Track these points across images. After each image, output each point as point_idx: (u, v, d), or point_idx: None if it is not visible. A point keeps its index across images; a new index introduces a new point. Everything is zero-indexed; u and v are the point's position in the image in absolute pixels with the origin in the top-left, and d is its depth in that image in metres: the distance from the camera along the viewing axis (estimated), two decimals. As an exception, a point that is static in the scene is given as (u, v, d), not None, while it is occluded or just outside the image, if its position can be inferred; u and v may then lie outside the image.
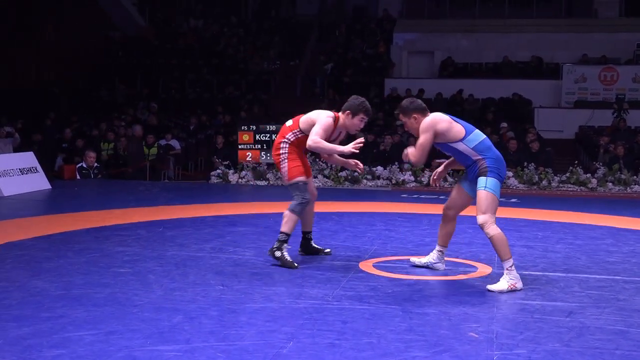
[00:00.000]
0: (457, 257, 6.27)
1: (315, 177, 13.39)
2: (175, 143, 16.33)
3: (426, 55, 23.90)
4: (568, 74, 21.01)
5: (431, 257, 5.78)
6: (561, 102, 20.91)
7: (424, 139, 5.30)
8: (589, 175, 13.24)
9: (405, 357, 3.62)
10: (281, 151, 6.01)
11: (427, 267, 5.77)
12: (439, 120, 5.32)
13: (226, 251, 6.39)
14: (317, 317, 4.29)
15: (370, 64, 23.26)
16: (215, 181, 13.80)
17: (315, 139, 5.77)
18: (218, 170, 13.94)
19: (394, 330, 4.08)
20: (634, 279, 5.53)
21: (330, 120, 5.91)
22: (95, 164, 13.51)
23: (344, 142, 6.17)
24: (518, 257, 6.22)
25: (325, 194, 11.76)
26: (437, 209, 9.51)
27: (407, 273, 5.62)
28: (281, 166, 6.01)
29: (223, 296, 4.77)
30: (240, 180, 13.64)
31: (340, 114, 6.02)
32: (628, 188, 12.86)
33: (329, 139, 5.98)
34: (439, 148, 5.50)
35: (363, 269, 5.73)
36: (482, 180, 5.19)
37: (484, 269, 5.81)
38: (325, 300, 4.71)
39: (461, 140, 5.26)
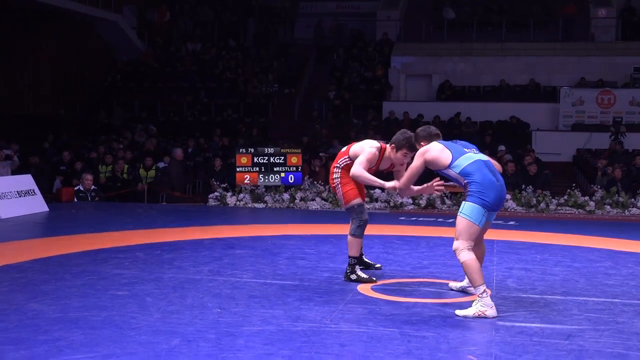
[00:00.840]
0: (455, 280, 6.25)
1: (313, 199, 13.40)
2: (172, 166, 16.32)
3: (424, 78, 23.99)
4: (565, 97, 21.10)
5: (466, 282, 5.72)
6: (559, 125, 20.98)
7: (413, 164, 5.49)
8: (586, 198, 13.25)
9: (404, 380, 3.61)
10: (334, 176, 6.31)
11: (463, 291, 5.74)
12: (429, 149, 5.43)
13: (224, 274, 6.38)
14: (315, 340, 4.27)
15: (368, 87, 23.36)
16: (213, 204, 13.79)
17: (357, 169, 6.02)
18: (216, 193, 13.94)
19: (392, 353, 4.07)
20: (633, 302, 5.52)
21: (374, 151, 6.12)
22: (93, 187, 13.50)
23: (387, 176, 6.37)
24: (516, 279, 6.22)
25: (323, 217, 11.76)
26: (435, 232, 9.52)
27: (406, 296, 5.61)
28: (337, 191, 6.33)
29: (221, 319, 4.75)
30: (238, 202, 13.63)
31: (387, 145, 6.19)
32: (626, 211, 12.86)
33: (377, 168, 6.24)
34: (440, 174, 5.52)
35: (361, 292, 5.71)
36: (462, 205, 5.23)
37: (482, 292, 5.79)
38: (323, 323, 4.69)
39: (448, 167, 5.30)
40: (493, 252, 7.83)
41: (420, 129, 5.82)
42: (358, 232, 6.16)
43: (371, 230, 9.91)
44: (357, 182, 6.23)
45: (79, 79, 23.34)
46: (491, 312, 4.98)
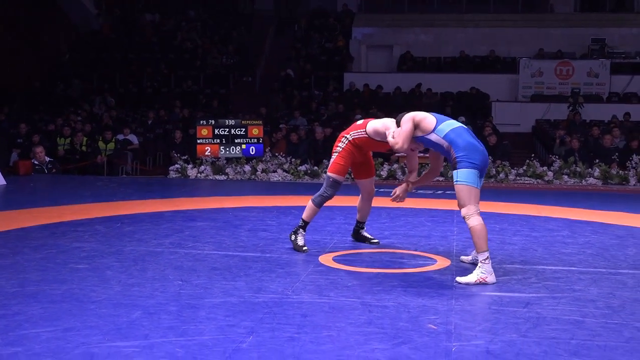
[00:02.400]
0: (415, 250, 6.31)
1: (274, 171, 13.38)
2: (133, 138, 16.19)
3: (385, 49, 24.00)
4: (524, 68, 21.28)
5: (474, 254, 5.67)
6: (518, 96, 21.17)
7: (404, 127, 5.48)
8: (545, 168, 13.42)
9: (365, 350, 3.64)
10: (339, 144, 6.28)
11: (473, 263, 5.63)
12: (415, 113, 5.54)
13: (185, 246, 6.36)
14: (277, 311, 4.29)
15: (329, 58, 23.30)
16: (173, 176, 13.71)
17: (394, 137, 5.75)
18: (176, 165, 13.85)
19: (353, 323, 4.10)
20: (589, 270, 5.62)
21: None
22: (48, 159, 13.32)
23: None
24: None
25: (285, 188, 11.76)
26: (395, 203, 9.56)
27: (367, 266, 5.64)
28: (331, 157, 6.30)
29: (182, 291, 4.74)
30: (199, 174, 13.57)
31: None
32: (583, 180, 13.06)
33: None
34: (421, 142, 5.58)
35: (323, 263, 5.73)
36: (454, 175, 5.26)
37: (442, 262, 5.85)
38: (284, 294, 4.70)
39: (433, 130, 5.37)
40: (453, 222, 7.90)
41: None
42: (317, 201, 6.26)
43: (333, 201, 9.94)
44: (359, 159, 6.32)
45: (36, 50, 22.91)
46: (491, 278, 5.06)
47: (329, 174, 6.27)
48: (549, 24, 23.48)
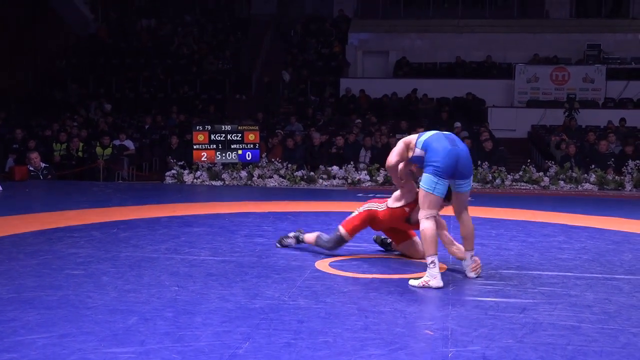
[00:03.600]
0: (412, 256, 6.30)
1: (271, 177, 13.38)
2: (129, 143, 16.18)
3: (381, 55, 24.03)
4: (520, 73, 21.31)
5: (465, 265, 5.60)
6: (514, 102, 21.20)
7: (396, 147, 5.64)
8: (541, 173, 13.44)
9: (361, 356, 3.63)
10: (366, 204, 6.22)
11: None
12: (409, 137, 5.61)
13: (181, 252, 6.35)
14: (273, 317, 4.28)
15: (325, 63, 23.32)
16: (169, 181, 13.70)
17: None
18: (173, 171, 13.84)
19: (350, 328, 4.09)
20: (585, 275, 5.62)
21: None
22: (43, 165, 13.30)
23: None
24: (472, 254, 6.26)
25: (281, 194, 11.76)
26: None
27: (363, 272, 5.64)
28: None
29: (178, 297, 4.73)
30: (195, 180, 13.57)
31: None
32: (579, 186, 13.08)
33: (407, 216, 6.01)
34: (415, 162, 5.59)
35: (319, 269, 5.73)
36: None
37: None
38: (281, 299, 4.70)
39: (415, 146, 5.41)
40: (449, 228, 7.89)
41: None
42: (318, 242, 6.29)
43: (329, 206, 9.97)
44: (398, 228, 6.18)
45: (32, 55, 22.88)
46: (435, 282, 5.06)
47: (339, 227, 6.19)
48: (545, 30, 23.54)
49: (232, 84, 22.34)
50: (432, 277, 5.07)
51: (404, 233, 6.27)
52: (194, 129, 14.18)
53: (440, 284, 5.07)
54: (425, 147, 5.30)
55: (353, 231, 6.15)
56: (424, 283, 5.06)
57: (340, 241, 6.18)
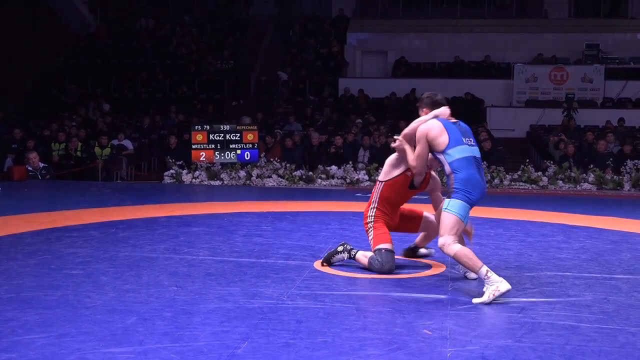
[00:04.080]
0: (411, 256, 6.30)
1: (269, 176, 13.38)
2: (127, 143, 16.17)
3: (379, 54, 24.02)
4: (519, 73, 21.31)
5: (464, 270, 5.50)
6: (512, 102, 21.21)
7: (419, 149, 5.27)
8: (539, 173, 13.44)
9: (360, 356, 3.63)
10: (368, 220, 5.80)
11: (466, 277, 5.47)
12: (431, 127, 5.24)
13: (180, 252, 6.35)
14: (272, 317, 4.28)
15: (323, 63, 23.32)
16: (168, 181, 13.69)
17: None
18: (171, 171, 13.84)
19: (348, 328, 4.09)
20: (584, 275, 5.63)
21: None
22: (42, 164, 13.30)
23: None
24: (471, 254, 6.26)
25: (279, 194, 11.76)
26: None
27: (361, 272, 5.64)
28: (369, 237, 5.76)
29: (177, 297, 4.73)
30: (193, 180, 13.56)
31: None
32: (578, 186, 13.08)
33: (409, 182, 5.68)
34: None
35: (318, 269, 5.73)
36: (446, 201, 5.12)
37: (437, 267, 5.86)
38: (279, 299, 4.70)
39: (442, 152, 5.17)
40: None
41: (425, 94, 5.60)
42: (371, 265, 5.61)
43: (327, 206, 9.97)
44: (393, 215, 5.80)
45: (30, 55, 22.86)
46: (503, 286, 4.74)
47: (379, 246, 5.60)
48: (543, 29, 23.54)
49: (231, 84, 22.32)
50: (497, 282, 4.75)
51: (414, 217, 5.97)
52: (193, 128, 14.18)
53: (509, 285, 4.76)
54: (457, 167, 5.08)
55: (385, 240, 5.62)
56: (493, 294, 4.72)
57: (386, 256, 5.57)
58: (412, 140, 5.42)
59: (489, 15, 24.58)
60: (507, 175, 13.33)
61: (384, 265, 5.53)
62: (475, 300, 4.77)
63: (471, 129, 5.60)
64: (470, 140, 5.28)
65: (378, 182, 5.79)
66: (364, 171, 13.48)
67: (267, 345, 3.76)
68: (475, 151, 5.23)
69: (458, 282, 5.34)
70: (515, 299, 4.81)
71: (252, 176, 13.41)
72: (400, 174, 5.63)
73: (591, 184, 13.11)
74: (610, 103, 20.87)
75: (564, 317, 4.40)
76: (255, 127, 14.58)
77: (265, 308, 4.48)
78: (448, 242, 4.99)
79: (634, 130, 18.39)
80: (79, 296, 4.70)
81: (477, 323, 4.25)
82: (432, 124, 5.26)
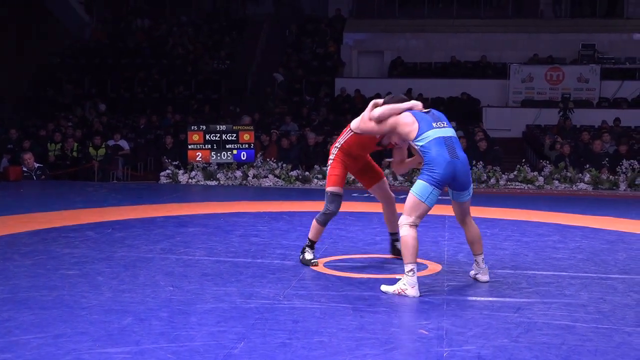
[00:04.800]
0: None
1: (266, 177, 13.38)
2: (124, 143, 16.15)
3: (376, 54, 24.01)
4: (515, 73, 21.32)
5: (473, 270, 5.52)
6: (508, 102, 21.22)
7: (376, 126, 5.41)
8: (535, 173, 13.45)
9: (357, 355, 3.64)
10: (330, 156, 6.03)
11: (475, 278, 5.45)
12: (402, 118, 5.30)
13: (176, 252, 6.34)
14: (269, 317, 4.28)
15: (320, 63, 23.32)
16: (164, 181, 13.68)
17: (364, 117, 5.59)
18: (168, 171, 13.83)
19: (345, 328, 4.10)
20: (580, 275, 5.64)
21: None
22: (36, 165, 13.28)
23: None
24: (467, 254, 6.26)
25: (276, 194, 11.76)
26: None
27: (358, 272, 5.65)
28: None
29: (173, 297, 4.73)
30: (190, 180, 13.55)
31: None
32: (574, 186, 13.09)
33: (380, 139, 5.81)
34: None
35: (314, 268, 5.73)
36: (415, 182, 5.15)
37: (433, 267, 5.86)
38: (276, 299, 4.70)
39: (414, 139, 5.19)
40: (445, 228, 7.91)
41: (389, 96, 5.66)
42: (320, 219, 5.95)
43: (323, 206, 9.95)
44: (354, 165, 6.03)
45: (27, 55, 22.83)
46: (412, 291, 4.87)
47: (326, 189, 5.97)
48: (540, 29, 23.55)
49: (228, 83, 22.31)
50: (410, 285, 4.89)
51: (375, 175, 6.16)
52: (189, 128, 14.17)
53: (418, 293, 4.87)
54: (426, 149, 5.10)
55: (337, 183, 5.90)
56: (400, 290, 4.90)
57: (335, 198, 5.90)
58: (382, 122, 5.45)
59: (485, 15, 24.58)
60: (503, 175, 13.34)
61: (328, 207, 5.88)
62: (383, 287, 5.01)
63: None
64: (443, 124, 5.28)
65: (349, 130, 5.86)
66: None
67: (264, 345, 3.76)
68: (446, 132, 5.22)
69: (454, 282, 5.35)
70: (511, 299, 4.82)
71: (248, 176, 13.40)
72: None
73: (587, 183, 13.12)
74: (606, 103, 20.89)
75: (560, 316, 4.41)
76: (252, 127, 14.57)
77: (261, 308, 4.48)
78: (403, 222, 5.05)
79: (630, 130, 18.41)
80: (75, 296, 4.70)
81: (473, 323, 4.26)
82: (404, 116, 5.30)
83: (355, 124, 5.79)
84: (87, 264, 5.74)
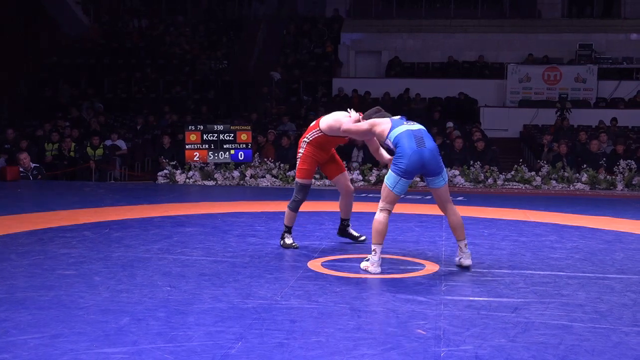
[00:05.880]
0: (404, 256, 6.32)
1: (263, 177, 13.37)
2: (121, 143, 16.13)
3: (373, 54, 24.02)
4: (512, 73, 21.33)
5: (457, 256, 5.92)
6: (506, 102, 21.23)
7: (362, 126, 6.06)
8: (533, 173, 13.46)
9: (354, 355, 3.64)
10: (300, 149, 6.59)
11: (459, 265, 5.82)
12: (378, 121, 5.94)
13: (174, 252, 6.34)
14: (266, 317, 4.28)
15: (318, 63, 23.31)
16: (162, 181, 13.67)
17: (347, 125, 6.22)
18: (165, 171, 13.82)
19: (342, 328, 4.10)
20: (577, 275, 5.64)
21: (351, 120, 6.34)
22: (33, 165, 13.26)
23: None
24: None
25: (273, 194, 11.75)
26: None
27: (356, 272, 5.65)
28: (296, 163, 6.60)
29: (171, 297, 4.73)
30: (187, 180, 13.54)
31: (359, 116, 6.38)
32: (571, 185, 13.10)
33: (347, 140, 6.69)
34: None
35: (311, 268, 5.73)
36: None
37: (431, 267, 5.86)
38: (273, 299, 4.70)
39: (387, 137, 5.73)
40: (442, 227, 7.92)
41: (374, 109, 6.27)
42: (292, 206, 6.63)
43: (322, 207, 9.96)
44: (323, 158, 6.60)
45: (23, 55, 22.80)
46: (373, 268, 5.54)
47: (296, 179, 6.60)
48: (537, 29, 23.57)
49: (224, 83, 22.30)
50: (372, 263, 5.56)
51: (338, 167, 6.75)
52: (187, 128, 14.15)
53: (378, 269, 5.53)
54: (395, 143, 5.62)
55: (307, 175, 6.54)
56: (365, 267, 5.61)
57: (303, 188, 6.56)
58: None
59: (483, 15, 24.59)
60: (501, 175, 13.34)
61: (297, 195, 6.54)
62: (362, 264, 5.70)
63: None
64: (413, 123, 5.86)
65: (319, 129, 6.45)
66: (358, 171, 13.48)
67: (261, 346, 3.76)
68: (415, 127, 5.78)
69: (452, 282, 5.35)
70: (509, 299, 4.82)
71: (245, 176, 13.40)
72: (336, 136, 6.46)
73: (584, 183, 13.13)
74: (603, 103, 20.91)
75: (558, 316, 4.41)
76: (249, 127, 14.56)
77: (259, 308, 4.48)
78: (379, 207, 5.65)
79: (627, 130, 18.43)
80: (72, 296, 4.69)
81: (471, 323, 4.26)
82: (379, 119, 5.96)
83: (326, 126, 6.40)
84: (85, 264, 5.73)
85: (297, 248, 6.53)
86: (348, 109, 6.51)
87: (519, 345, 3.84)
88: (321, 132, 6.43)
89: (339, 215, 7.03)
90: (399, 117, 5.95)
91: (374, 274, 5.48)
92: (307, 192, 6.61)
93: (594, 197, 12.39)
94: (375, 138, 6.34)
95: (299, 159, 6.56)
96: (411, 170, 5.54)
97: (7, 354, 3.56)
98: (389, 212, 5.64)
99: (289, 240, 6.64)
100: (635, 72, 22.24)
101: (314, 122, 6.62)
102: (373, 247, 5.58)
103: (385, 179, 5.65)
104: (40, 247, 6.50)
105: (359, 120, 6.21)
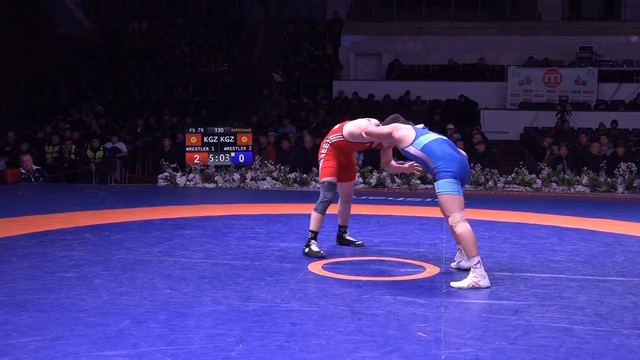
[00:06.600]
0: (405, 258, 6.31)
1: (263, 179, 13.37)
2: (122, 146, 16.14)
3: (374, 57, 24.05)
4: (513, 76, 21.35)
5: (456, 260, 5.92)
6: (506, 104, 21.24)
7: (383, 130, 5.86)
8: (533, 175, 13.45)
9: (354, 358, 3.64)
10: (322, 150, 6.56)
11: (459, 268, 5.82)
12: (399, 127, 5.75)
13: (174, 254, 6.34)
14: (266, 320, 4.28)
15: (318, 65, 23.33)
16: (162, 184, 13.67)
17: (370, 127, 6.08)
18: (165, 173, 13.82)
19: (342, 331, 4.09)
20: (578, 277, 5.64)
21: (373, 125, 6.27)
22: (35, 167, 13.26)
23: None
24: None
25: (274, 196, 11.75)
26: (385, 210, 9.59)
27: (356, 274, 5.64)
28: (319, 165, 6.55)
29: (171, 300, 4.72)
30: (188, 182, 13.54)
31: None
32: (571, 188, 13.10)
33: (371, 144, 6.50)
34: (405, 155, 5.75)
35: (312, 271, 5.73)
36: (436, 186, 5.38)
37: (431, 270, 5.86)
38: (274, 302, 4.70)
39: (411, 143, 5.50)
40: (442, 230, 7.91)
41: (391, 116, 6.14)
42: (319, 208, 6.41)
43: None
44: (342, 162, 6.55)
45: (23, 57, 22.82)
46: (484, 282, 5.17)
47: (322, 179, 6.47)
48: (537, 32, 23.58)
49: (225, 85, 22.32)
50: (481, 276, 5.17)
51: (351, 174, 6.76)
52: (187, 131, 14.16)
53: (489, 283, 5.18)
54: (428, 151, 5.40)
55: (333, 173, 6.46)
56: (473, 283, 5.15)
57: (331, 187, 6.44)
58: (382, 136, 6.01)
59: (483, 18, 24.61)
60: (501, 178, 13.34)
61: (325, 195, 6.39)
62: (453, 284, 5.18)
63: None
64: (437, 134, 5.68)
65: (341, 134, 6.43)
66: (358, 174, 13.48)
67: (262, 348, 3.75)
68: (442, 136, 5.62)
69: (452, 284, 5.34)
70: (509, 302, 4.82)
71: (246, 179, 13.40)
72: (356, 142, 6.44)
73: (585, 186, 13.13)
74: (603, 105, 20.93)
75: (558, 319, 4.41)
76: (250, 130, 14.56)
77: (259, 311, 4.48)
78: (457, 219, 5.29)
79: (627, 132, 18.44)
80: (73, 299, 4.69)
81: (471, 326, 4.26)
82: (402, 125, 5.81)
83: (347, 133, 6.38)
84: (85, 267, 5.73)
85: (324, 257, 6.24)
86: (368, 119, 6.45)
87: (519, 347, 3.84)
88: (343, 137, 6.42)
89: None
90: (421, 125, 5.82)
91: (486, 287, 5.13)
92: (335, 191, 6.48)
93: (595, 199, 12.38)
94: (390, 150, 6.38)
95: (322, 160, 6.52)
96: (460, 174, 5.36)
97: (7, 357, 3.56)
98: (466, 218, 5.33)
99: (315, 248, 6.33)
100: (636, 74, 22.26)
101: (337, 126, 6.59)
102: (475, 260, 5.18)
103: (441, 189, 5.30)
104: (41, 249, 6.50)
105: (379, 125, 6.17)
